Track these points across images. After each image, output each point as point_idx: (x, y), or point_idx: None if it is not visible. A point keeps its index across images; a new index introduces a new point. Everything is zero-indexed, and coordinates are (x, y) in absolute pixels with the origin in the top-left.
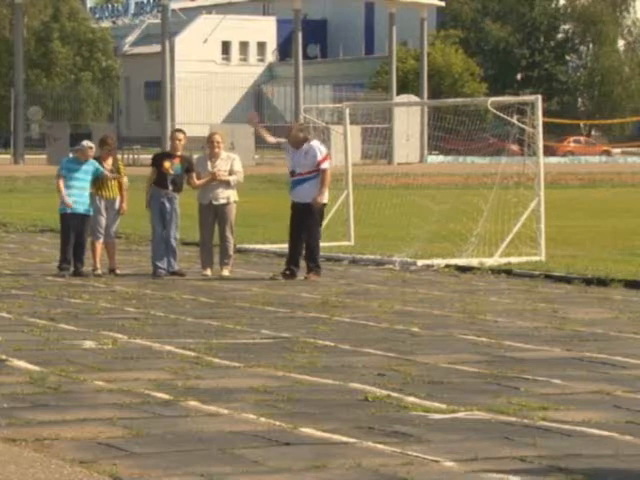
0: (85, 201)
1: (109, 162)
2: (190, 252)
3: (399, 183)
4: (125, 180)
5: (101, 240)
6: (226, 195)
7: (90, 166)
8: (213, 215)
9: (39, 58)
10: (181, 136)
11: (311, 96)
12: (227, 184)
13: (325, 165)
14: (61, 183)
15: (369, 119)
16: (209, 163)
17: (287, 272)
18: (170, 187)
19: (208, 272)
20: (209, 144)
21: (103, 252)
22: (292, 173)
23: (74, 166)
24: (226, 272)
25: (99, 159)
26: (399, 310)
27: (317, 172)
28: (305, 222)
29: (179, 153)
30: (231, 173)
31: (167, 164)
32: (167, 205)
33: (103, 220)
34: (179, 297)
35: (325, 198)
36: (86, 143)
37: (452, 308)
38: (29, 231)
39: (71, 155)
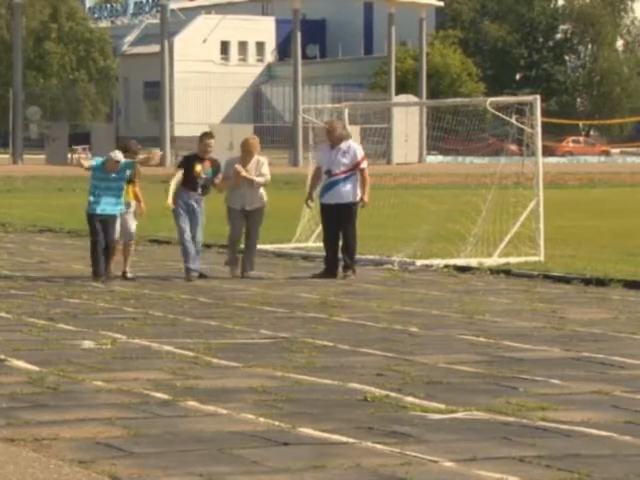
0: (112, 201)
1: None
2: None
3: (398, 183)
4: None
5: (120, 242)
6: (257, 200)
7: (120, 173)
8: (244, 219)
9: (35, 58)
10: (212, 141)
11: (310, 96)
12: (258, 189)
13: (365, 165)
14: (84, 162)
15: (368, 119)
16: (239, 166)
17: (328, 273)
18: (199, 190)
19: (238, 272)
20: (243, 152)
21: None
22: (328, 173)
23: (101, 175)
24: (252, 273)
25: None
26: (398, 310)
27: (353, 172)
28: (343, 222)
29: (208, 156)
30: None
31: (199, 168)
32: (195, 207)
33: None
34: (178, 297)
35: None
36: (114, 155)
37: (451, 308)
38: (28, 231)
39: (100, 161)
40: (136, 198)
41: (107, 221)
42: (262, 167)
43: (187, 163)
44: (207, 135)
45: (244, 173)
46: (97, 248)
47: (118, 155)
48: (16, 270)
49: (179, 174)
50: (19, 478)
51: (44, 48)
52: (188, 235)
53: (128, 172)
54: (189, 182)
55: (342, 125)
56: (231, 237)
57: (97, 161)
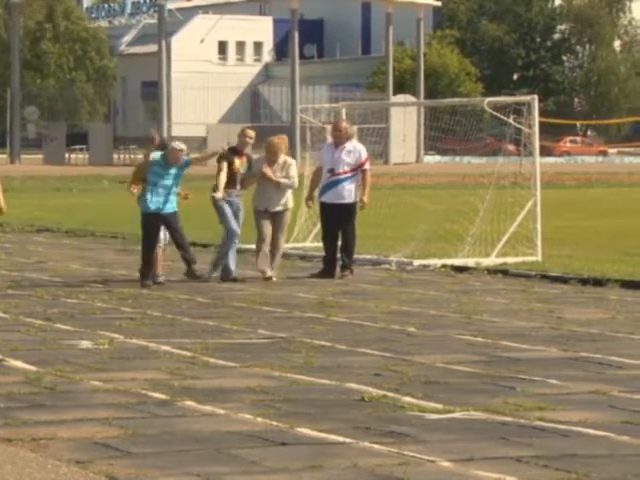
0: (171, 198)
1: None
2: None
3: (395, 183)
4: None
5: (161, 245)
6: (283, 202)
7: (180, 170)
8: (270, 221)
9: (32, 58)
10: (252, 134)
11: (307, 96)
12: (283, 191)
13: (368, 166)
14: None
15: (365, 119)
16: (265, 166)
17: (326, 272)
18: (238, 186)
19: (269, 273)
20: (268, 153)
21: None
22: (331, 171)
23: (161, 170)
24: (272, 275)
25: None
26: (395, 310)
27: (355, 172)
28: (342, 222)
29: (246, 151)
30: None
31: (238, 162)
32: (237, 204)
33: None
34: (175, 297)
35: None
36: (177, 145)
37: (448, 308)
38: (25, 231)
39: (159, 155)
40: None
41: (170, 219)
42: (289, 169)
43: (229, 159)
44: (250, 129)
45: (270, 174)
46: (153, 249)
47: (181, 144)
48: (14, 270)
49: (225, 167)
50: (16, 478)
51: (41, 48)
52: (237, 233)
53: (185, 169)
54: (229, 178)
55: (348, 124)
56: (258, 239)
57: (156, 155)
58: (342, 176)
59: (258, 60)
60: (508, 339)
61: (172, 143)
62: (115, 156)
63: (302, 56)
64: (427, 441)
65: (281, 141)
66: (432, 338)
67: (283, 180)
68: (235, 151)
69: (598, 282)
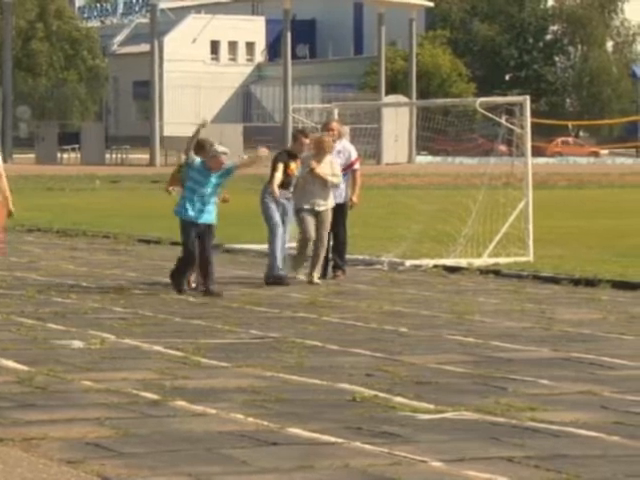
0: (210, 209)
1: None
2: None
3: (387, 183)
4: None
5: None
6: (327, 202)
7: (221, 179)
8: (315, 220)
9: (23, 57)
10: (307, 140)
11: (300, 96)
12: (326, 189)
13: (358, 166)
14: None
15: (358, 119)
16: (312, 163)
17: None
18: (291, 189)
19: (301, 275)
20: (317, 151)
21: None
22: None
23: (200, 177)
24: (317, 280)
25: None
26: (387, 310)
27: (345, 173)
28: (334, 222)
29: (301, 156)
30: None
31: (293, 165)
32: (287, 207)
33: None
34: (167, 297)
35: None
36: (220, 148)
37: (440, 308)
38: (17, 231)
39: (199, 161)
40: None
41: (204, 231)
42: (336, 168)
43: (284, 161)
44: (302, 133)
45: (318, 170)
46: (192, 255)
47: (224, 148)
48: (5, 269)
49: (281, 168)
50: (7, 478)
51: (32, 47)
52: (284, 237)
53: (227, 178)
54: (282, 180)
55: (339, 124)
56: (302, 241)
57: (196, 160)
58: None
59: (250, 60)
60: (500, 339)
61: (213, 147)
62: (107, 156)
63: (294, 56)
64: (419, 441)
65: (330, 139)
66: (424, 338)
67: (332, 178)
68: (290, 154)
69: (590, 282)
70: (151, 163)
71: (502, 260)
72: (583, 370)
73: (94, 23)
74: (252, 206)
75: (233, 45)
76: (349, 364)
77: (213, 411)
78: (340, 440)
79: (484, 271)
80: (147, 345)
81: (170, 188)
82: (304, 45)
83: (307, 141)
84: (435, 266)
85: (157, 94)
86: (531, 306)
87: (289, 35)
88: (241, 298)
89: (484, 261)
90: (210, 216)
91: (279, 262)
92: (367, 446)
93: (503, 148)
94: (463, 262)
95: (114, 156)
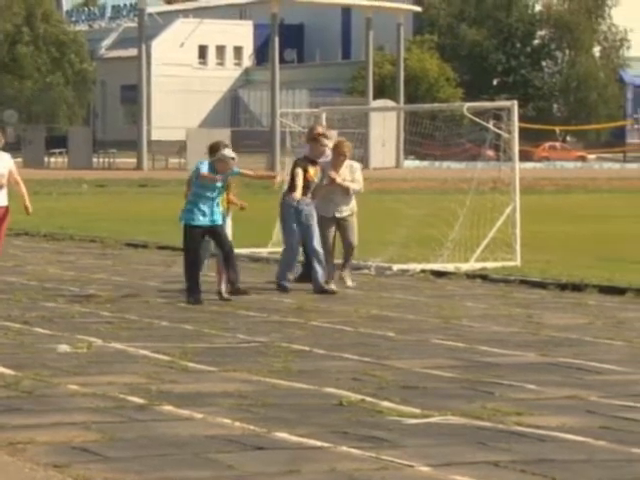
0: (217, 210)
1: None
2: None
3: (375, 188)
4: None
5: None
6: (349, 207)
7: (225, 182)
8: (335, 227)
9: (10, 62)
10: (329, 143)
11: (287, 100)
12: (348, 196)
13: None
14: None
15: (345, 124)
16: (332, 172)
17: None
18: (310, 194)
19: (332, 286)
20: (337, 154)
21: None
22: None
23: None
24: (349, 281)
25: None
26: (375, 315)
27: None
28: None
29: (320, 161)
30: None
31: (312, 171)
32: (307, 213)
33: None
34: (154, 301)
35: None
36: (228, 153)
37: (428, 313)
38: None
39: (207, 164)
40: (231, 203)
41: (216, 232)
42: (356, 173)
43: (303, 167)
44: (323, 136)
45: (339, 180)
46: (196, 264)
47: (233, 153)
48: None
49: (301, 173)
50: None
51: (18, 51)
52: (296, 245)
53: (228, 180)
54: (302, 186)
55: (325, 128)
56: (324, 248)
57: (202, 165)
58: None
59: (238, 64)
60: (487, 344)
61: (222, 151)
62: (94, 160)
63: (282, 61)
64: (405, 446)
65: (348, 145)
66: (411, 343)
67: (353, 185)
68: (309, 160)
69: (577, 287)
70: (138, 167)
71: (489, 265)
72: (570, 375)
73: (82, 27)
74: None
75: (221, 49)
76: (336, 368)
77: (200, 415)
78: (327, 444)
79: (471, 276)
80: (134, 349)
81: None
82: (292, 50)
83: (328, 142)
84: (422, 271)
85: (145, 98)
86: (518, 311)
87: (277, 39)
88: (228, 302)
89: (471, 266)
90: (217, 217)
91: (288, 273)
92: (354, 450)
93: (490, 153)
94: (450, 267)
95: (101, 160)
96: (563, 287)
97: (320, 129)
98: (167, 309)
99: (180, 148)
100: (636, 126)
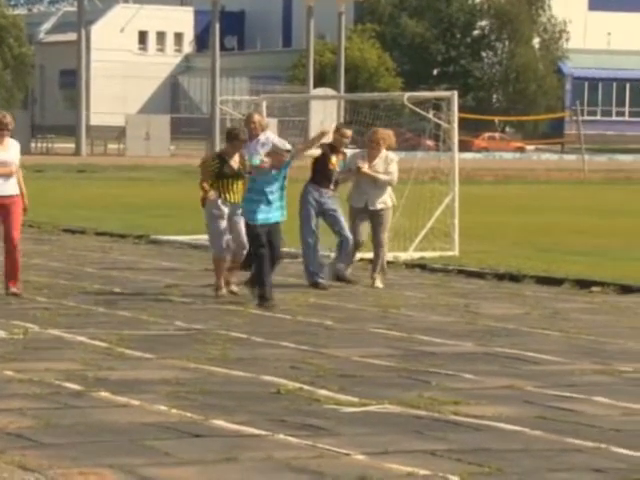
0: (277, 205)
1: (236, 159)
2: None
3: None
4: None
5: (228, 256)
6: (383, 200)
7: (282, 171)
8: (368, 219)
9: None
10: (349, 133)
11: (228, 88)
12: (378, 187)
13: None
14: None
15: (286, 112)
16: (361, 161)
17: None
18: (332, 186)
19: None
20: (370, 142)
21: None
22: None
23: (267, 175)
24: (379, 283)
25: (223, 154)
26: (313, 303)
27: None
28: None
29: (342, 149)
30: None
31: (334, 159)
32: (331, 205)
33: (227, 230)
34: (91, 287)
35: None
36: (283, 145)
37: (366, 302)
38: None
39: (259, 160)
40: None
41: (272, 231)
42: (390, 165)
43: (324, 155)
44: (346, 127)
45: (365, 169)
46: (265, 261)
47: (287, 144)
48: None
49: (318, 151)
50: None
51: None
52: (314, 238)
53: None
54: (323, 177)
55: (261, 116)
56: (352, 240)
57: (254, 160)
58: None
59: (178, 51)
60: (425, 333)
61: (276, 144)
62: (32, 145)
63: (223, 47)
64: (342, 434)
65: (387, 134)
66: (349, 331)
67: (381, 175)
68: (332, 148)
69: (514, 278)
70: (77, 153)
71: (428, 254)
72: (507, 365)
73: (21, 11)
74: (179, 197)
75: (161, 35)
76: (274, 356)
77: (137, 402)
78: (264, 432)
79: (410, 265)
80: (70, 336)
81: (207, 188)
82: (232, 37)
83: (349, 132)
84: (361, 259)
85: (84, 83)
86: (456, 300)
87: (217, 26)
88: (166, 290)
89: (410, 255)
90: (278, 214)
91: (312, 269)
92: (291, 438)
93: (430, 143)
94: (389, 256)
95: (39, 145)
96: (501, 277)
97: (256, 116)
98: (104, 296)
99: (119, 134)
100: (574, 118)
